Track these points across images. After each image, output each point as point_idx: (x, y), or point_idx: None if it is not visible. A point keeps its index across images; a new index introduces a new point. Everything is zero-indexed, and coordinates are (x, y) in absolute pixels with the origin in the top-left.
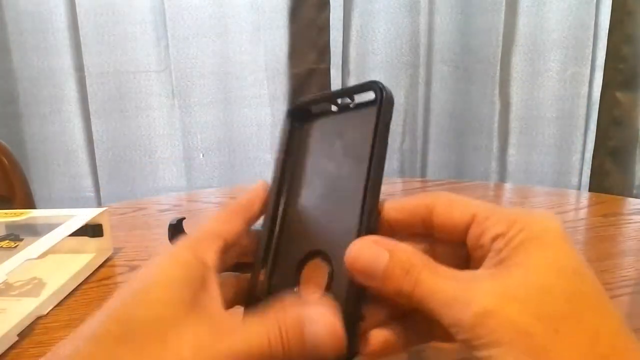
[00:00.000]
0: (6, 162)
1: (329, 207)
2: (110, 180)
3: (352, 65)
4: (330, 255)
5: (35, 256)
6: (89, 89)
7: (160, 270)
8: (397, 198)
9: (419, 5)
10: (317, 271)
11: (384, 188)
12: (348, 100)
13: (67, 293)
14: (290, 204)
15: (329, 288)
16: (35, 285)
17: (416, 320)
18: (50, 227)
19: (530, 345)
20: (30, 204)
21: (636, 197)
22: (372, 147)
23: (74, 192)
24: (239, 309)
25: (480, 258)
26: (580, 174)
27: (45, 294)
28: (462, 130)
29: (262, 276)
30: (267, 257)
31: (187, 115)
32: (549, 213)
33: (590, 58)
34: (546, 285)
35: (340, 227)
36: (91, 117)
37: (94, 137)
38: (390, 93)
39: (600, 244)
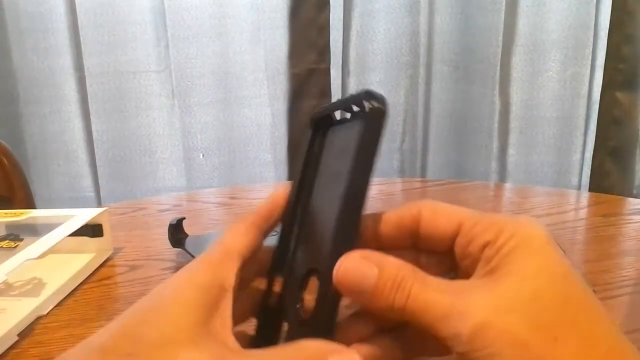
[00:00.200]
0: (6, 162)
1: (322, 223)
2: (110, 180)
3: (352, 65)
4: (319, 273)
5: (35, 256)
6: (89, 89)
7: (175, 289)
8: (383, 209)
9: (419, 5)
10: (314, 290)
11: (385, 188)
12: (357, 108)
13: (67, 293)
14: (303, 217)
15: (317, 309)
16: (35, 285)
17: (405, 334)
18: (50, 227)
19: (529, 355)
20: (30, 204)
21: (636, 197)
22: (354, 161)
23: (74, 192)
24: (250, 324)
25: (468, 266)
26: (580, 174)
27: (45, 294)
28: (462, 130)
29: (276, 288)
30: (281, 269)
31: (187, 115)
32: (533, 219)
33: (590, 58)
34: (539, 292)
35: (324, 245)
36: (91, 117)
37: (94, 137)
38: (380, 105)
39: (600, 244)
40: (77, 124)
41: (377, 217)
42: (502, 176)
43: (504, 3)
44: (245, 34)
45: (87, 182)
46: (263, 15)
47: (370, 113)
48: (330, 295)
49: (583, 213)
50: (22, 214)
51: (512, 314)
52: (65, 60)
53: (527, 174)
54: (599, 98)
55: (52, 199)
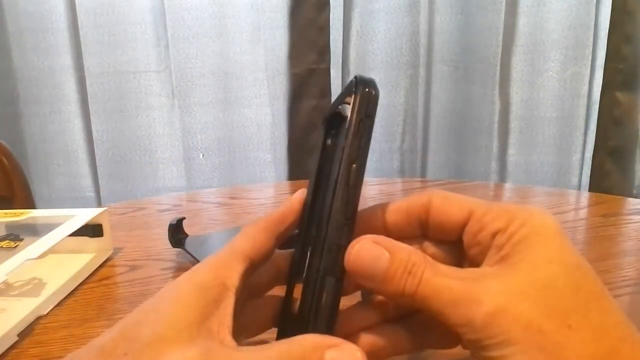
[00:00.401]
0: (6, 162)
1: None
2: (110, 180)
3: (352, 65)
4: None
5: (35, 256)
6: (89, 89)
7: (176, 290)
8: (395, 198)
9: (419, 5)
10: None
11: (385, 188)
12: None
13: (67, 293)
14: (318, 218)
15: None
16: (35, 285)
17: (410, 325)
18: (50, 227)
19: (543, 342)
20: (30, 204)
21: (636, 197)
22: (346, 146)
23: (74, 192)
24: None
25: (477, 255)
26: (580, 174)
27: (45, 294)
28: (462, 130)
29: (296, 295)
30: (300, 275)
31: (187, 115)
32: (543, 208)
33: (590, 58)
34: (553, 280)
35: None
36: (91, 117)
37: (94, 137)
38: (367, 89)
39: (600, 244)
40: (77, 124)
41: (386, 206)
42: (502, 176)
43: (504, 3)
44: (245, 34)
45: (87, 182)
46: (263, 15)
47: (359, 98)
48: (324, 280)
49: (583, 213)
50: (22, 214)
51: (526, 301)
52: (65, 60)
53: (527, 174)
54: (599, 98)
55: (52, 199)
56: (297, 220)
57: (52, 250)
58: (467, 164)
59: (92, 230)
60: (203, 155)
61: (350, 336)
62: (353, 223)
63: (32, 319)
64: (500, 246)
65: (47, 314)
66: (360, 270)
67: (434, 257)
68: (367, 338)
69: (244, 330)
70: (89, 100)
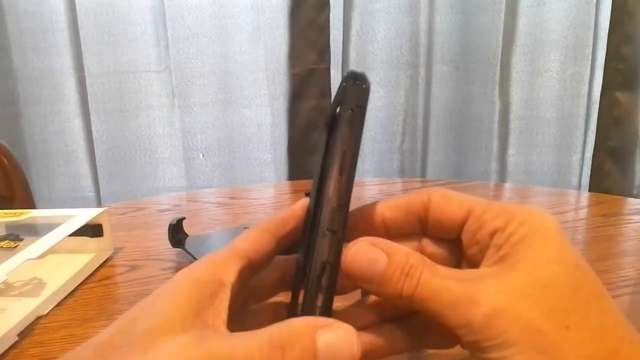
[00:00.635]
0: (6, 162)
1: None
2: (110, 180)
3: (352, 65)
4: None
5: (35, 256)
6: (89, 89)
7: (173, 286)
8: (395, 196)
9: (419, 5)
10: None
11: (385, 188)
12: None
13: (67, 293)
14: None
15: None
16: (35, 285)
17: (408, 326)
18: (50, 227)
19: (542, 343)
20: (30, 204)
21: (636, 197)
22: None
23: (74, 192)
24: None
25: (475, 254)
26: (580, 174)
27: (45, 294)
28: (462, 130)
29: (300, 300)
30: (303, 280)
31: (187, 115)
32: (543, 208)
33: (590, 58)
34: (552, 280)
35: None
36: (91, 117)
37: (94, 137)
38: (356, 82)
39: (600, 244)
40: (77, 124)
41: (386, 203)
42: (502, 176)
43: (504, 3)
44: (245, 34)
45: (87, 182)
46: (263, 15)
47: (349, 90)
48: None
49: (583, 213)
50: (22, 214)
51: (525, 301)
52: (65, 60)
53: (527, 174)
54: (599, 98)
55: (52, 199)
56: (299, 226)
57: (52, 250)
58: (467, 164)
59: (92, 230)
60: (203, 155)
61: None
62: (346, 210)
63: (32, 319)
64: (499, 246)
65: (47, 314)
66: (358, 272)
67: (432, 255)
68: (364, 337)
69: None
70: (89, 100)
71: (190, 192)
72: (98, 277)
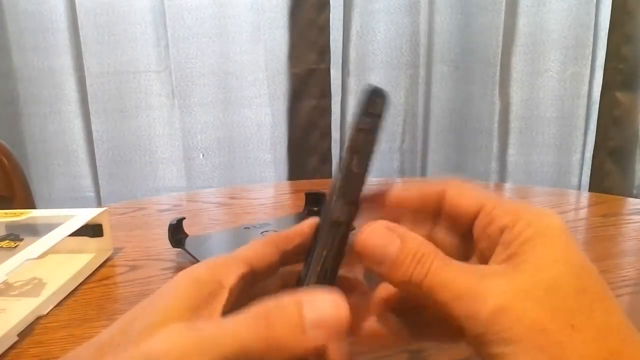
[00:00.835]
0: (6, 162)
1: None
2: (110, 180)
3: (352, 65)
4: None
5: (35, 256)
6: (89, 89)
7: (173, 286)
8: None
9: (419, 5)
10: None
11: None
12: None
13: (67, 293)
14: None
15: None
16: (35, 285)
17: (413, 317)
18: (50, 227)
19: (545, 341)
20: (30, 204)
21: (636, 197)
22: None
23: (74, 192)
24: None
25: (486, 249)
26: (580, 174)
27: (45, 294)
28: (462, 130)
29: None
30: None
31: (187, 115)
32: (550, 210)
33: (590, 58)
34: (557, 281)
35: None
36: (91, 117)
37: (94, 137)
38: (372, 90)
39: (600, 244)
40: (77, 124)
41: (403, 187)
42: (502, 176)
43: (504, 3)
44: (245, 34)
45: (87, 182)
46: (263, 15)
47: (364, 98)
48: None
49: (583, 213)
50: (22, 214)
51: (530, 300)
52: (65, 60)
53: (527, 174)
54: (599, 98)
55: (52, 199)
56: (305, 243)
57: (52, 250)
58: (467, 164)
59: (92, 230)
60: (203, 155)
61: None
62: (354, 206)
63: (32, 319)
64: (507, 244)
65: (47, 314)
66: (370, 252)
67: (443, 244)
68: (368, 325)
69: None
70: (89, 100)
71: (190, 192)
72: (98, 277)
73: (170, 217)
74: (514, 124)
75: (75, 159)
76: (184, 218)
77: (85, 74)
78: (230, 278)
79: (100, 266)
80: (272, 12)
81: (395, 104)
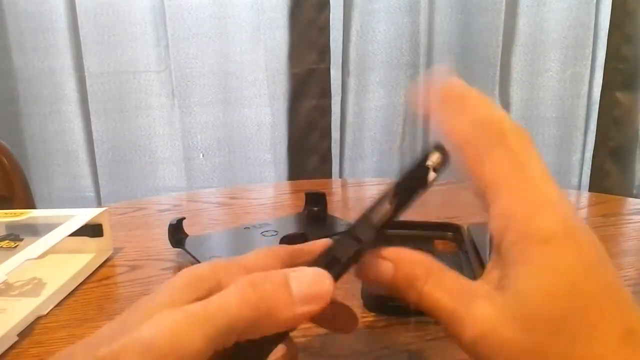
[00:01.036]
0: (6, 162)
1: None
2: (110, 180)
3: (352, 65)
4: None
5: (35, 256)
6: (89, 89)
7: (174, 278)
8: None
9: (419, 5)
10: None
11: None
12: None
13: (67, 293)
14: None
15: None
16: (35, 285)
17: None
18: (50, 227)
19: None
20: (30, 204)
21: (636, 197)
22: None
23: (74, 192)
24: None
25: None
26: (580, 174)
27: (45, 294)
28: None
29: None
30: None
31: (187, 115)
32: (546, 204)
33: (590, 58)
34: (540, 307)
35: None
36: (91, 117)
37: (94, 137)
38: (434, 146)
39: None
40: (77, 124)
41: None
42: None
43: (504, 3)
44: (245, 34)
45: (87, 182)
46: (263, 15)
47: (423, 152)
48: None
49: (583, 213)
50: (22, 214)
51: (511, 329)
52: (65, 60)
53: None
54: (599, 98)
55: (52, 199)
56: (311, 259)
57: (52, 250)
58: None
59: (92, 230)
60: (203, 155)
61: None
62: (379, 235)
63: (32, 319)
64: (498, 250)
65: (47, 314)
66: (369, 279)
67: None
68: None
69: None
70: (89, 100)
71: (190, 192)
72: (98, 277)
73: (170, 217)
74: None
75: (75, 159)
76: (184, 218)
77: (85, 74)
78: (230, 280)
79: (100, 266)
80: (272, 12)
81: (395, 104)
